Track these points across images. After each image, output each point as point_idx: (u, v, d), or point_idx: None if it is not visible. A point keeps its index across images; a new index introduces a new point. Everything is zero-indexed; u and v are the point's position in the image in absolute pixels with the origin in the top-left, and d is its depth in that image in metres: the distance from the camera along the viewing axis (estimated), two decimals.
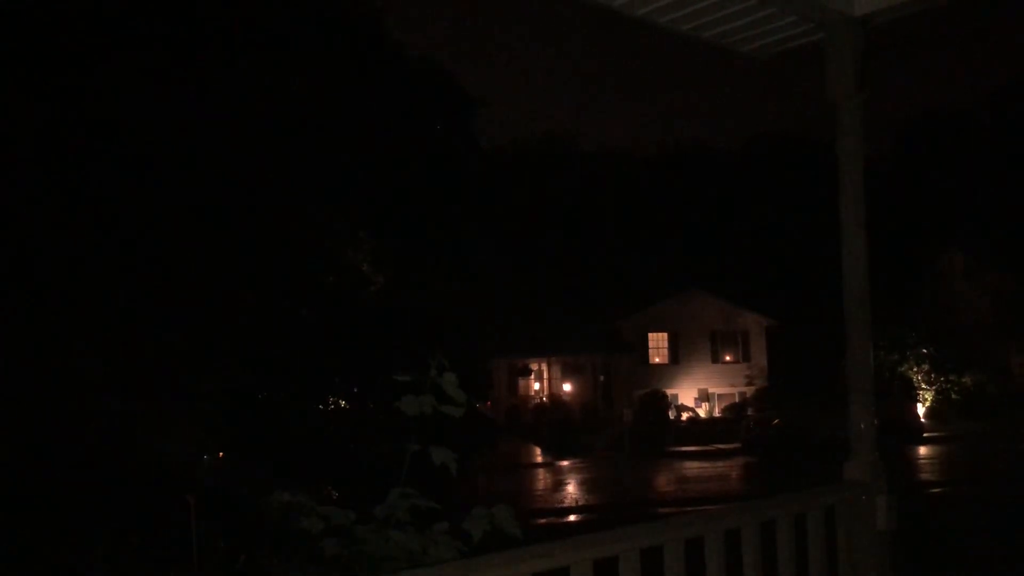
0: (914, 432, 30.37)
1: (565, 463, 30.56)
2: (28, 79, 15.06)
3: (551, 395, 43.34)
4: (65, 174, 15.46)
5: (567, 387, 43.72)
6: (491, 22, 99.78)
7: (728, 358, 43.69)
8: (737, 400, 42.01)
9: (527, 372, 44.06)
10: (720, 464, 28.35)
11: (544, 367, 43.95)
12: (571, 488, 24.66)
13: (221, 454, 17.88)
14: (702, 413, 41.77)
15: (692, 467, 28.08)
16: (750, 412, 37.33)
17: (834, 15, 3.97)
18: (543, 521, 18.21)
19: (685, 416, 40.96)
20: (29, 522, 12.21)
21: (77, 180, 15.54)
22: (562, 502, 21.81)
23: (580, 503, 21.58)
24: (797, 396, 31.48)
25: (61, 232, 15.04)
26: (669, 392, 41.47)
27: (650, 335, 43.62)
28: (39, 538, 11.62)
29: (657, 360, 43.60)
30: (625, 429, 34.89)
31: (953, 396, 38.89)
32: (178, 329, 16.23)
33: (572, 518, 19.36)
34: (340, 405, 20.21)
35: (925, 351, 39.09)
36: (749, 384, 42.30)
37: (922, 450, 28.49)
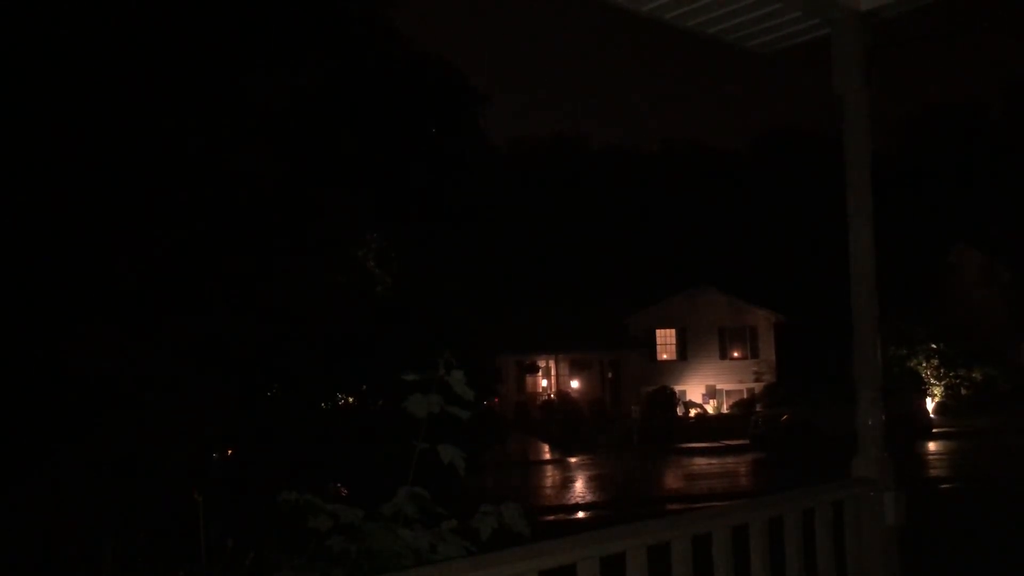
0: (923, 427, 30.29)
1: (573, 460, 30.56)
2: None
3: (559, 392, 43.34)
4: (74, 172, 15.51)
5: (575, 384, 43.72)
6: (497, 22, 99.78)
7: (736, 354, 43.64)
8: (745, 396, 41.96)
9: (535, 369, 44.07)
10: (728, 460, 28.32)
11: (552, 364, 43.95)
12: (579, 485, 24.65)
13: (230, 452, 17.94)
14: (710, 409, 41.72)
15: (700, 463, 28.05)
16: (758, 408, 37.29)
17: (840, 10, 3.96)
18: (551, 518, 18.21)
19: (693, 412, 40.93)
20: (37, 520, 12.27)
21: (84, 177, 15.59)
22: (570, 499, 21.81)
23: (588, 499, 21.58)
24: (806, 392, 31.42)
25: (73, 228, 15.09)
26: (677, 388, 41.45)
27: (658, 331, 43.60)
28: (47, 536, 11.68)
29: (665, 356, 43.58)
30: (633, 426, 34.88)
31: (963, 391, 38.75)
32: (187, 327, 16.27)
33: (580, 514, 19.36)
34: (349, 403, 20.25)
35: (934, 346, 38.95)
36: (757, 380, 42.26)
37: (931, 445, 28.41)
